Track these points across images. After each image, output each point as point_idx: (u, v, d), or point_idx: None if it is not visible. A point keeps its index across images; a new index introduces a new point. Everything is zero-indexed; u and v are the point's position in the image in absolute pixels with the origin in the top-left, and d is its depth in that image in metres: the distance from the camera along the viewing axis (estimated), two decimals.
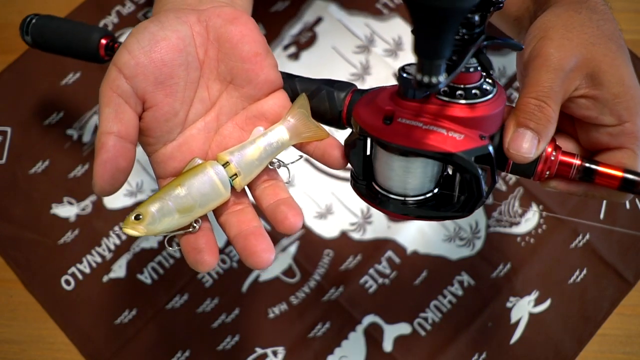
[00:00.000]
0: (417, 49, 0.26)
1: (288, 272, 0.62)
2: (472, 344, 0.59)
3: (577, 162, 0.36)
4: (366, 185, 0.38)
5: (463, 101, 0.33)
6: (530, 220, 0.63)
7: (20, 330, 0.61)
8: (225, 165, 0.36)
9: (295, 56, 0.70)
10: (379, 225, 0.63)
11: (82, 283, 0.62)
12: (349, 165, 0.39)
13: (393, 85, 0.36)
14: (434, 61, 0.26)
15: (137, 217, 0.33)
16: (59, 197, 0.65)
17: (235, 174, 0.36)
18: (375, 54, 0.70)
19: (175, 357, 0.59)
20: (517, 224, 0.63)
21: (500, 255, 0.62)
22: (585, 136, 0.38)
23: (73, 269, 0.62)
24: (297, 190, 0.65)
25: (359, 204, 0.64)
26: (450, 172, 0.38)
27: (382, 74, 0.69)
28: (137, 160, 0.66)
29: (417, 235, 0.63)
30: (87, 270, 0.62)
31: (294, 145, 0.38)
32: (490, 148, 0.33)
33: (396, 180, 0.36)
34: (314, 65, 0.69)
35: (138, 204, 0.39)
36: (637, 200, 0.63)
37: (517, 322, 0.60)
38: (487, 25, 0.32)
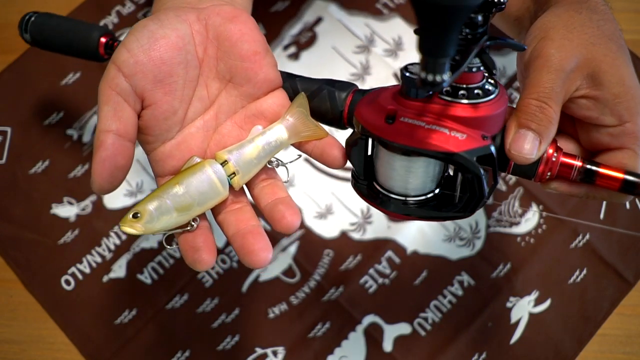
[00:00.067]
0: (422, 47, 0.26)
1: (288, 272, 0.62)
2: (472, 344, 0.59)
3: (578, 163, 0.36)
4: (367, 185, 0.38)
5: (465, 101, 0.33)
6: (530, 220, 0.63)
7: (20, 330, 0.61)
8: (224, 163, 0.36)
9: (295, 56, 0.70)
10: (379, 225, 0.63)
11: (82, 283, 0.62)
12: (349, 164, 0.39)
13: (395, 85, 0.36)
14: (439, 59, 0.26)
15: (135, 216, 0.33)
16: (59, 197, 0.65)
17: (234, 173, 0.36)
18: (375, 54, 0.70)
19: (175, 357, 0.59)
20: (517, 224, 0.63)
21: (500, 255, 0.62)
22: (585, 137, 0.38)
23: (73, 269, 0.62)
24: (297, 190, 0.65)
25: (359, 204, 0.64)
26: (451, 172, 0.38)
27: (382, 74, 0.69)
28: (137, 160, 0.66)
29: (417, 235, 0.63)
30: (87, 270, 0.62)
31: (292, 144, 0.38)
32: (492, 148, 0.33)
33: (398, 180, 0.36)
34: (314, 65, 0.69)
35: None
36: (637, 201, 0.63)
37: (517, 322, 0.60)
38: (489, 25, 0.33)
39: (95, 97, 0.34)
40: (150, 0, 0.42)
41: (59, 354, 0.60)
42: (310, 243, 0.63)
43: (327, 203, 0.64)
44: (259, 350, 0.60)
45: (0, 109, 0.69)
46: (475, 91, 0.33)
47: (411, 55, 0.69)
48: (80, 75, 0.70)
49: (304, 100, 0.38)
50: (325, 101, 0.39)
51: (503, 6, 0.32)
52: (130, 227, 0.33)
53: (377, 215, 0.64)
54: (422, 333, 0.60)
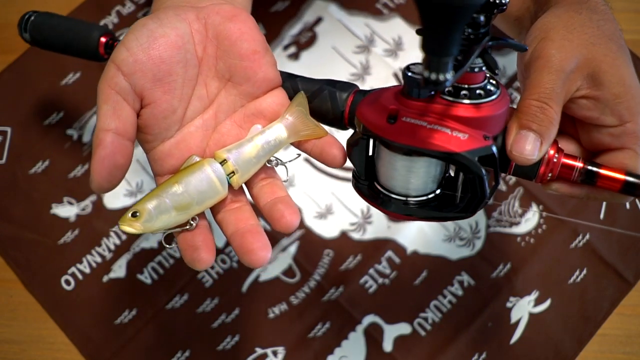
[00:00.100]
0: (426, 46, 0.26)
1: (288, 272, 0.62)
2: (472, 344, 0.59)
3: (579, 164, 0.36)
4: (368, 185, 0.38)
5: (467, 101, 0.33)
6: (530, 220, 0.63)
7: (20, 330, 0.61)
8: (223, 163, 0.36)
9: (295, 56, 0.70)
10: (379, 225, 0.63)
11: (82, 283, 0.62)
12: (349, 164, 0.39)
13: (397, 85, 0.36)
14: (442, 58, 0.26)
15: (134, 215, 0.33)
16: (59, 197, 0.65)
17: (233, 172, 0.36)
18: (375, 54, 0.70)
19: (175, 357, 0.59)
20: (517, 224, 0.63)
21: (500, 255, 0.62)
22: (586, 137, 0.38)
23: (73, 269, 0.62)
24: (297, 190, 0.65)
25: (359, 204, 0.64)
26: (452, 173, 0.38)
27: (382, 74, 0.69)
28: (137, 160, 0.66)
29: (417, 235, 0.63)
30: (87, 270, 0.62)
31: (292, 144, 0.38)
32: (494, 148, 0.33)
33: (399, 180, 0.36)
34: (314, 65, 0.69)
35: None
36: (637, 201, 0.63)
37: (517, 322, 0.59)
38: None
39: (96, 97, 0.34)
40: (150, 0, 0.42)
41: (59, 354, 0.60)
42: (310, 243, 0.63)
43: (327, 203, 0.64)
44: (259, 350, 0.60)
45: (0, 109, 0.69)
46: (477, 91, 0.33)
47: (411, 55, 0.69)
48: (80, 75, 0.70)
49: (303, 99, 0.38)
50: (326, 101, 0.39)
51: (504, 7, 0.32)
52: (129, 226, 0.33)
53: (377, 215, 0.64)
54: (422, 333, 0.60)
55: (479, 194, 0.34)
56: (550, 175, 0.36)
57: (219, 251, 0.63)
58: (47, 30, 0.54)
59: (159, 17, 0.35)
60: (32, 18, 0.54)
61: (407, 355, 0.59)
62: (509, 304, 0.60)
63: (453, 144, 0.32)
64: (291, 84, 0.40)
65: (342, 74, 0.69)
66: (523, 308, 0.60)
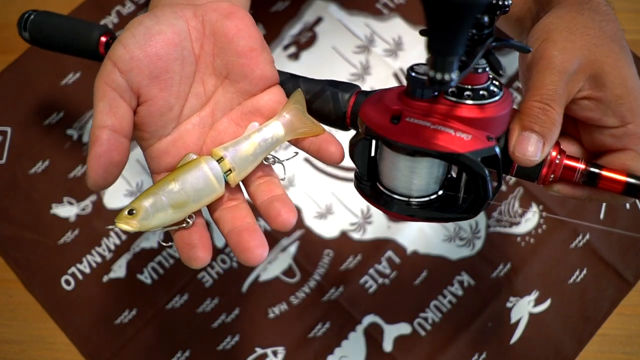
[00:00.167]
0: (431, 45, 0.26)
1: (288, 272, 0.62)
2: (472, 344, 0.59)
3: (581, 166, 0.36)
4: (370, 186, 0.38)
5: (471, 102, 0.33)
6: (530, 220, 0.63)
7: (20, 330, 0.61)
8: (220, 160, 0.35)
9: (295, 56, 0.70)
10: (379, 225, 0.63)
11: (82, 283, 0.62)
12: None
13: (400, 86, 0.36)
14: (448, 58, 0.26)
15: (130, 212, 0.33)
16: (59, 197, 0.65)
17: (230, 170, 0.36)
18: (375, 54, 0.70)
19: (175, 357, 0.59)
20: (517, 224, 0.63)
21: (500, 255, 0.62)
22: (588, 138, 0.38)
23: (73, 269, 0.62)
24: (297, 190, 0.65)
25: (359, 204, 0.64)
26: (454, 174, 0.38)
27: (382, 74, 0.69)
28: (137, 160, 0.66)
29: (417, 235, 0.63)
30: (87, 270, 0.62)
31: (289, 141, 0.38)
32: (497, 149, 0.33)
33: (401, 181, 0.36)
34: (314, 65, 0.69)
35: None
36: (637, 201, 0.63)
37: (517, 322, 0.60)
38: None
39: None
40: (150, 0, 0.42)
41: (59, 354, 0.60)
42: (310, 243, 0.63)
43: (327, 203, 0.64)
44: (259, 350, 0.60)
45: (0, 109, 0.69)
46: (481, 92, 0.33)
47: (411, 55, 0.69)
48: (80, 75, 0.70)
49: (301, 96, 0.38)
50: (328, 102, 0.39)
51: (507, 9, 0.32)
52: (125, 224, 0.33)
53: (377, 215, 0.64)
54: (422, 333, 0.60)
55: (482, 195, 0.34)
56: (552, 176, 0.36)
57: (219, 251, 0.63)
58: (47, 29, 0.54)
59: (155, 15, 0.35)
60: (32, 17, 0.54)
61: (407, 355, 0.59)
62: (509, 304, 0.60)
63: (456, 144, 0.32)
64: (293, 84, 0.40)
65: (342, 74, 0.69)
66: (523, 308, 0.60)
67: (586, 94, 0.36)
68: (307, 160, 0.66)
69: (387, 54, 0.70)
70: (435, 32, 0.26)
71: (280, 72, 0.40)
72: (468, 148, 0.32)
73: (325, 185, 0.65)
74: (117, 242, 0.63)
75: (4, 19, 0.73)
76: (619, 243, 0.62)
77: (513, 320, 0.60)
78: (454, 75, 0.27)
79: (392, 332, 0.60)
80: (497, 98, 0.34)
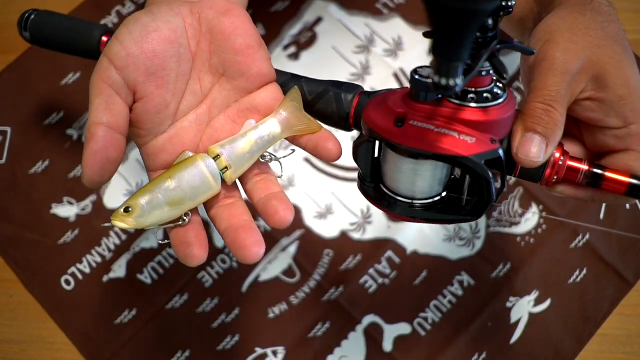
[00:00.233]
0: (436, 50, 0.26)
1: (288, 272, 0.62)
2: (472, 344, 0.59)
3: (584, 167, 0.36)
4: (374, 187, 0.38)
5: (474, 105, 0.33)
6: (530, 220, 0.63)
7: (20, 330, 0.61)
8: (216, 158, 0.35)
9: (295, 56, 0.70)
10: (379, 225, 0.63)
11: (82, 283, 0.62)
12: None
13: (404, 88, 0.36)
14: (453, 63, 0.26)
15: (126, 210, 0.33)
16: (59, 197, 0.65)
17: (226, 167, 0.36)
18: (375, 54, 0.70)
19: (175, 357, 0.59)
20: (517, 224, 0.63)
21: (500, 255, 0.62)
22: (591, 139, 0.38)
23: (73, 269, 0.62)
24: (297, 190, 0.65)
25: (359, 204, 0.64)
26: (458, 175, 0.38)
27: (382, 74, 0.69)
28: (137, 160, 0.66)
29: (417, 235, 0.63)
30: (87, 270, 0.62)
31: (287, 139, 0.38)
32: (501, 152, 0.33)
33: (405, 183, 0.36)
34: (314, 65, 0.69)
35: None
36: (637, 202, 0.63)
37: (517, 322, 0.59)
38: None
39: None
40: None
41: (59, 354, 0.60)
42: (310, 243, 0.63)
43: (327, 203, 0.64)
44: (259, 350, 0.60)
45: (0, 109, 0.69)
46: (485, 95, 0.33)
47: (411, 55, 0.69)
48: (80, 75, 0.70)
49: (297, 94, 0.38)
50: (332, 103, 0.39)
51: (511, 10, 0.32)
52: (121, 222, 0.33)
53: (377, 215, 0.64)
54: (422, 333, 0.60)
55: (485, 197, 0.34)
56: (555, 177, 0.36)
57: (218, 251, 0.63)
58: (48, 29, 0.54)
59: (152, 12, 0.35)
60: (33, 17, 0.54)
61: (407, 355, 0.59)
62: (509, 304, 0.60)
63: (461, 147, 0.32)
64: (296, 85, 0.40)
65: (342, 74, 0.69)
66: (523, 308, 0.60)
67: (589, 95, 0.36)
68: (307, 160, 0.66)
69: (387, 54, 0.70)
70: (440, 38, 0.25)
71: (282, 73, 0.40)
72: (472, 151, 0.32)
73: (325, 185, 0.65)
74: (117, 242, 0.63)
75: (4, 18, 0.73)
76: (619, 243, 0.62)
77: (513, 320, 0.60)
78: (459, 81, 0.27)
79: (392, 332, 0.60)
80: (500, 101, 0.33)
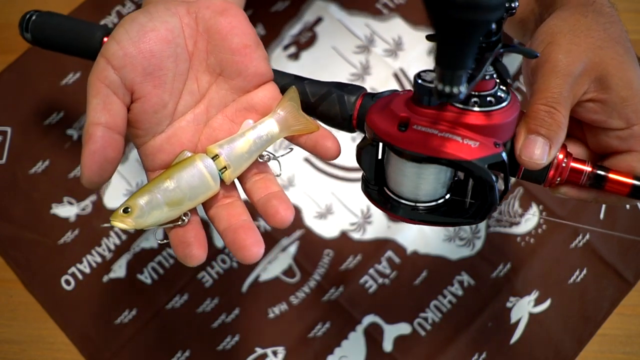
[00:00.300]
0: (440, 59, 0.26)
1: (288, 272, 0.62)
2: (472, 344, 0.59)
3: (587, 168, 0.36)
4: (378, 190, 0.38)
5: (478, 109, 0.33)
6: (530, 220, 0.63)
7: (20, 330, 0.61)
8: (215, 158, 0.35)
9: (295, 56, 0.70)
10: (379, 225, 0.63)
11: (82, 283, 0.62)
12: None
13: (407, 91, 0.36)
14: (457, 71, 0.26)
15: (125, 210, 0.33)
16: (59, 197, 0.65)
17: (225, 167, 0.36)
18: (375, 54, 0.70)
19: (175, 357, 0.59)
20: (517, 224, 0.63)
21: (500, 255, 0.62)
22: (594, 140, 0.38)
23: (73, 269, 0.62)
24: (297, 190, 0.65)
25: (359, 204, 0.64)
26: (461, 177, 0.38)
27: (382, 74, 0.69)
28: (137, 160, 0.66)
29: (417, 235, 0.63)
30: (87, 270, 0.62)
31: (285, 138, 0.39)
32: (504, 155, 0.33)
33: (408, 186, 0.36)
34: (314, 65, 0.69)
35: None
36: (638, 203, 0.63)
37: (517, 322, 0.59)
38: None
39: None
40: None
41: (59, 354, 0.60)
42: (310, 243, 0.63)
43: (327, 203, 0.64)
44: (259, 350, 0.60)
45: (0, 109, 0.69)
46: (488, 99, 0.33)
47: (411, 55, 0.69)
48: (80, 75, 0.70)
49: (295, 94, 0.38)
50: (335, 105, 0.39)
51: (514, 11, 0.32)
52: (120, 222, 0.33)
53: (377, 215, 0.64)
54: (422, 333, 0.60)
55: (489, 201, 0.34)
56: (559, 179, 0.36)
57: (218, 251, 0.63)
58: (49, 30, 0.54)
59: (149, 11, 0.35)
60: (34, 18, 0.54)
61: (407, 355, 0.59)
62: (509, 304, 0.60)
63: (464, 151, 0.32)
64: (299, 86, 0.40)
65: (342, 74, 0.69)
66: (523, 308, 0.60)
67: (591, 96, 0.36)
68: (307, 159, 0.66)
69: (387, 54, 0.70)
70: (444, 47, 0.25)
71: (285, 74, 0.40)
72: (475, 155, 0.32)
73: (325, 185, 0.65)
74: (117, 242, 0.63)
75: (5, 19, 0.73)
76: (619, 243, 0.62)
77: (513, 320, 0.60)
78: (463, 88, 0.27)
79: (392, 332, 0.60)
80: (504, 104, 0.33)
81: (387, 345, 0.59)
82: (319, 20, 0.71)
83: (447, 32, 0.24)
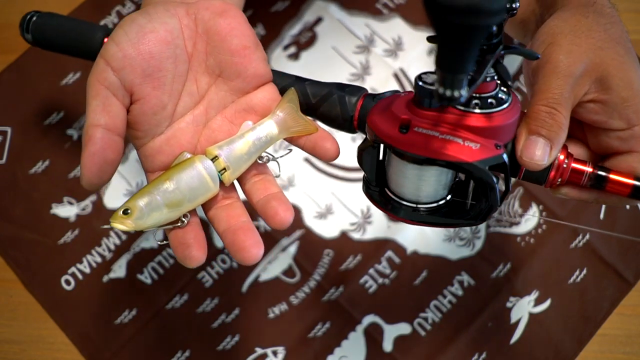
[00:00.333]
0: (441, 62, 0.26)
1: (288, 272, 0.62)
2: (472, 344, 0.59)
3: (588, 169, 0.36)
4: (379, 191, 0.38)
5: (479, 110, 0.33)
6: (530, 220, 0.63)
7: (20, 330, 0.61)
8: (214, 159, 0.36)
9: (295, 56, 0.70)
10: (379, 225, 0.63)
11: (82, 283, 0.62)
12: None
13: (408, 93, 0.36)
14: (457, 75, 0.26)
15: (125, 212, 0.33)
16: (59, 197, 0.65)
17: (224, 169, 0.36)
18: (375, 54, 0.70)
19: (175, 357, 0.59)
20: (517, 224, 0.63)
21: (500, 255, 0.62)
22: (595, 141, 0.38)
23: (73, 269, 0.62)
24: (297, 190, 0.65)
25: (359, 204, 0.64)
26: (463, 178, 0.38)
27: (382, 74, 0.69)
28: (137, 160, 0.66)
29: (417, 235, 0.63)
30: (87, 270, 0.62)
31: (285, 139, 0.39)
32: (505, 157, 0.33)
33: (409, 188, 0.36)
34: (314, 65, 0.69)
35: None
36: (638, 203, 0.63)
37: (517, 322, 0.60)
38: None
39: None
40: None
41: (59, 354, 0.60)
42: (310, 243, 0.63)
43: (327, 203, 0.64)
44: (259, 350, 0.60)
45: (0, 109, 0.69)
46: (489, 100, 0.33)
47: (411, 55, 0.69)
48: (80, 75, 0.70)
49: (294, 95, 0.38)
50: (336, 106, 0.39)
51: (515, 12, 0.32)
52: (120, 224, 0.33)
53: (377, 215, 0.64)
54: (422, 333, 0.60)
55: (490, 203, 0.34)
56: (560, 180, 0.36)
57: (218, 251, 0.63)
58: (50, 31, 0.54)
59: (148, 13, 0.35)
60: (34, 18, 0.54)
61: (407, 355, 0.59)
62: (509, 304, 0.60)
63: (465, 153, 0.32)
64: (299, 87, 0.40)
65: (342, 74, 0.69)
66: (523, 308, 0.60)
67: (592, 97, 0.36)
68: (307, 160, 0.66)
69: (387, 54, 0.70)
70: (445, 51, 0.25)
71: (286, 75, 0.40)
72: (476, 157, 0.32)
73: (325, 185, 0.65)
74: (117, 242, 0.63)
75: (5, 19, 0.73)
76: (619, 243, 0.61)
77: (513, 320, 0.60)
78: (464, 92, 0.27)
79: (392, 332, 0.60)
80: (505, 106, 0.33)
81: (387, 345, 0.59)
82: (319, 20, 0.71)
83: (448, 37, 0.24)
